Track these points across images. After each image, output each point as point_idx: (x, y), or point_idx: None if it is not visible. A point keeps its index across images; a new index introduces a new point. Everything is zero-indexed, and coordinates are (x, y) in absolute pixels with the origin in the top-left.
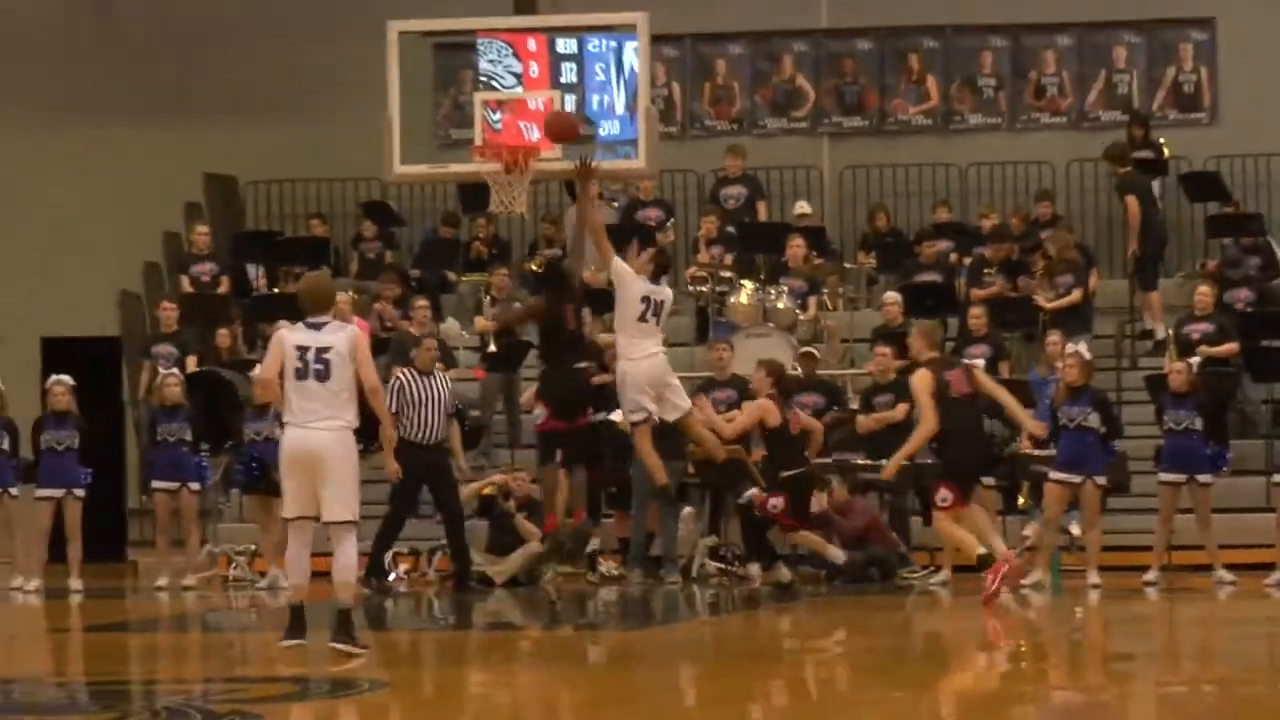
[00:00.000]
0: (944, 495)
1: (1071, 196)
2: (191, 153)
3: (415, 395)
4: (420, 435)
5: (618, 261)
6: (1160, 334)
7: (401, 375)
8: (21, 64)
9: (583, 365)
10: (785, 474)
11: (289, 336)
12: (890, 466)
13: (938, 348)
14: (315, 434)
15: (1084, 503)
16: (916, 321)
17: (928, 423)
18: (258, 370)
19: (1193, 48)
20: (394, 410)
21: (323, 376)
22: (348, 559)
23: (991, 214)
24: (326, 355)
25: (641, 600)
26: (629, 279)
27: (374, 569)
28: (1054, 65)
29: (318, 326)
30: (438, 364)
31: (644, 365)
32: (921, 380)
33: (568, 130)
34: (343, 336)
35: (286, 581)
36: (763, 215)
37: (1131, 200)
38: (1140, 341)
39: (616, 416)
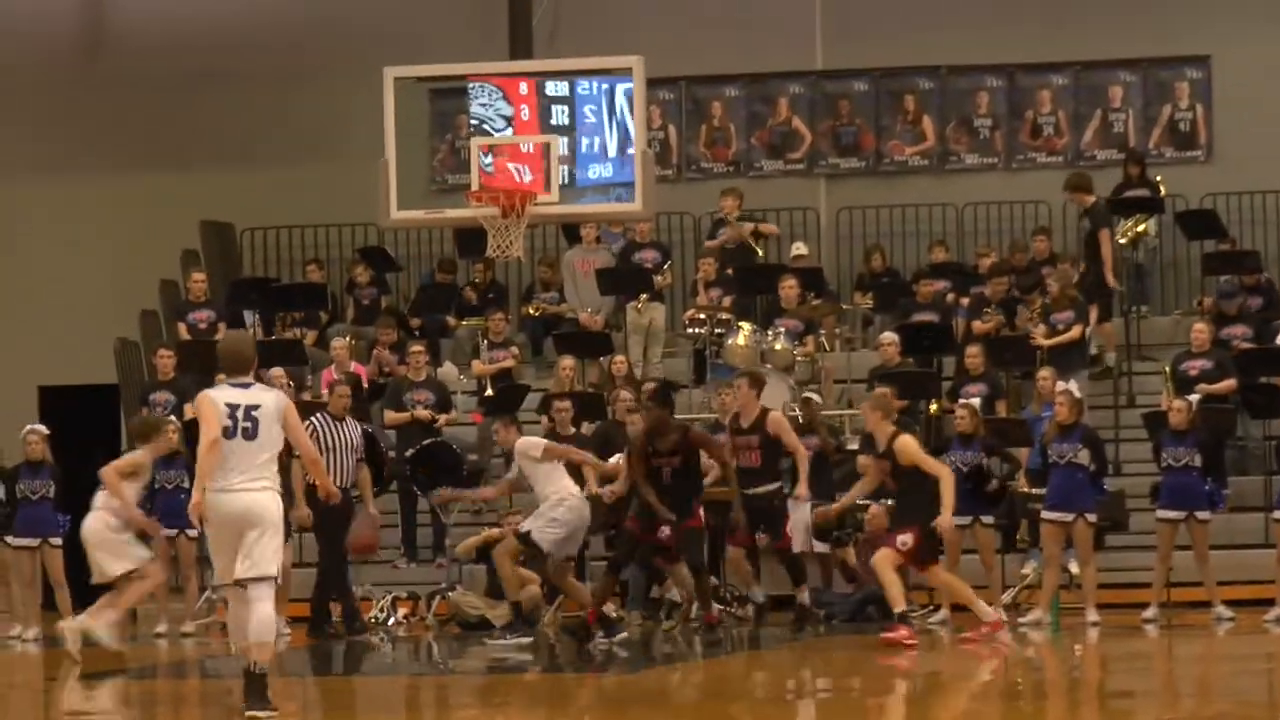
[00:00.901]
0: (904, 540)
1: (1069, 235)
2: (188, 200)
3: (328, 440)
4: (332, 480)
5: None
6: (1110, 361)
7: (315, 421)
8: (17, 112)
9: None
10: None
11: (218, 395)
12: (944, 519)
13: (892, 416)
14: (244, 496)
15: (1077, 540)
16: (872, 395)
17: (945, 472)
18: (204, 438)
19: (1188, 86)
20: None
21: (251, 435)
22: (264, 616)
23: (990, 253)
24: (255, 413)
25: (640, 643)
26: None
27: (316, 619)
28: (1050, 104)
29: (244, 386)
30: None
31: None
32: (908, 442)
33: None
34: (270, 398)
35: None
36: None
37: (1105, 235)
38: (1137, 377)
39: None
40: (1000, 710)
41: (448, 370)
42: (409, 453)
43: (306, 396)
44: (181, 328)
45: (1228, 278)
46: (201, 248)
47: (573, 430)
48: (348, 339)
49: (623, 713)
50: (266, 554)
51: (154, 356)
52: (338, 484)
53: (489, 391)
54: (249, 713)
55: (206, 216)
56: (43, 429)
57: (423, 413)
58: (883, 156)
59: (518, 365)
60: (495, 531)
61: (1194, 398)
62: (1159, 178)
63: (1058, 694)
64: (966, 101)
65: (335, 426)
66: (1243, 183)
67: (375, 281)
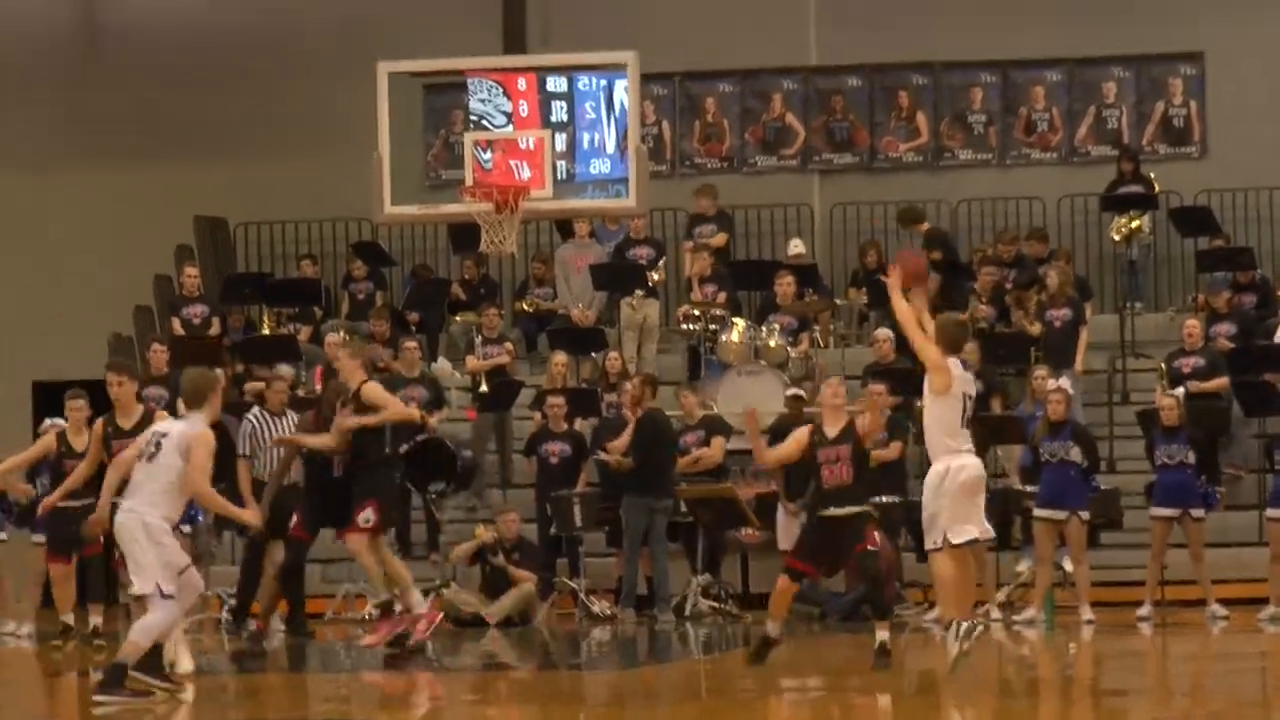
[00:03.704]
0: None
1: (1063, 231)
2: (182, 195)
3: (265, 437)
4: (268, 475)
5: None
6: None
7: (253, 418)
8: (11, 106)
9: None
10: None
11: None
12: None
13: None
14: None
15: (1069, 538)
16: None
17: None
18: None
19: (1182, 82)
20: (247, 452)
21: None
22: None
23: (985, 246)
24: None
25: (634, 640)
26: None
27: (239, 615)
28: (1044, 101)
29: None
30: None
31: None
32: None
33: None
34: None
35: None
36: (740, 254)
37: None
38: (1131, 374)
39: None
40: (994, 708)
41: (441, 366)
42: (403, 449)
43: (301, 393)
44: (175, 323)
45: (1220, 274)
46: (195, 243)
47: (565, 426)
48: (342, 334)
49: (620, 708)
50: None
51: (147, 351)
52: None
53: (483, 387)
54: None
55: (200, 211)
56: (63, 423)
57: (416, 412)
58: (877, 153)
59: (512, 361)
60: (487, 535)
61: (1180, 392)
62: (1152, 174)
63: (1051, 692)
64: (960, 97)
65: (273, 422)
66: (1236, 179)
67: (370, 276)
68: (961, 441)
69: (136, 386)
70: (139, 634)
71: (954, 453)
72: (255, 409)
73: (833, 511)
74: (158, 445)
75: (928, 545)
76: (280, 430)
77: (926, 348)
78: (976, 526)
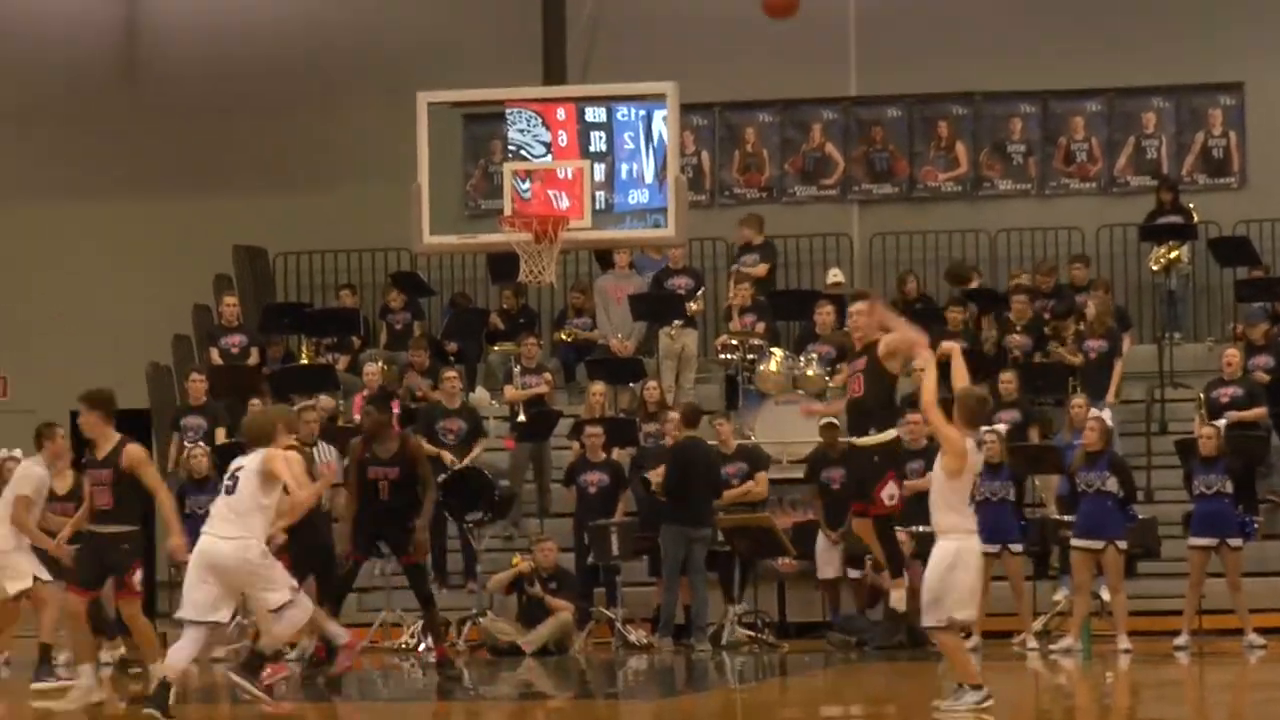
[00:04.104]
0: (891, 493)
1: (1102, 262)
2: (221, 225)
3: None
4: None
5: None
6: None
7: None
8: (52, 136)
9: None
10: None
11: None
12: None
13: None
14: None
15: (1107, 568)
16: None
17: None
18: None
19: (1221, 113)
20: None
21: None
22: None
23: (1020, 274)
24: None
25: (671, 669)
26: None
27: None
28: (1083, 131)
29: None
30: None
31: None
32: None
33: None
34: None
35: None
36: (779, 283)
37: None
38: (1169, 404)
39: None
40: None
41: (480, 396)
42: (440, 479)
43: (340, 422)
44: (214, 352)
45: (1258, 304)
46: (234, 272)
47: (603, 456)
48: (380, 364)
49: None
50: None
51: (186, 381)
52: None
53: (521, 417)
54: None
55: (239, 241)
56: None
57: (446, 456)
58: (916, 183)
59: (550, 391)
60: (524, 564)
61: (1221, 423)
62: (1192, 204)
63: None
64: (1000, 127)
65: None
66: (1276, 209)
67: (408, 306)
68: (970, 520)
69: (104, 415)
70: (285, 628)
71: (965, 533)
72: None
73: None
74: (234, 479)
75: (930, 622)
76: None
77: (946, 431)
78: (974, 608)
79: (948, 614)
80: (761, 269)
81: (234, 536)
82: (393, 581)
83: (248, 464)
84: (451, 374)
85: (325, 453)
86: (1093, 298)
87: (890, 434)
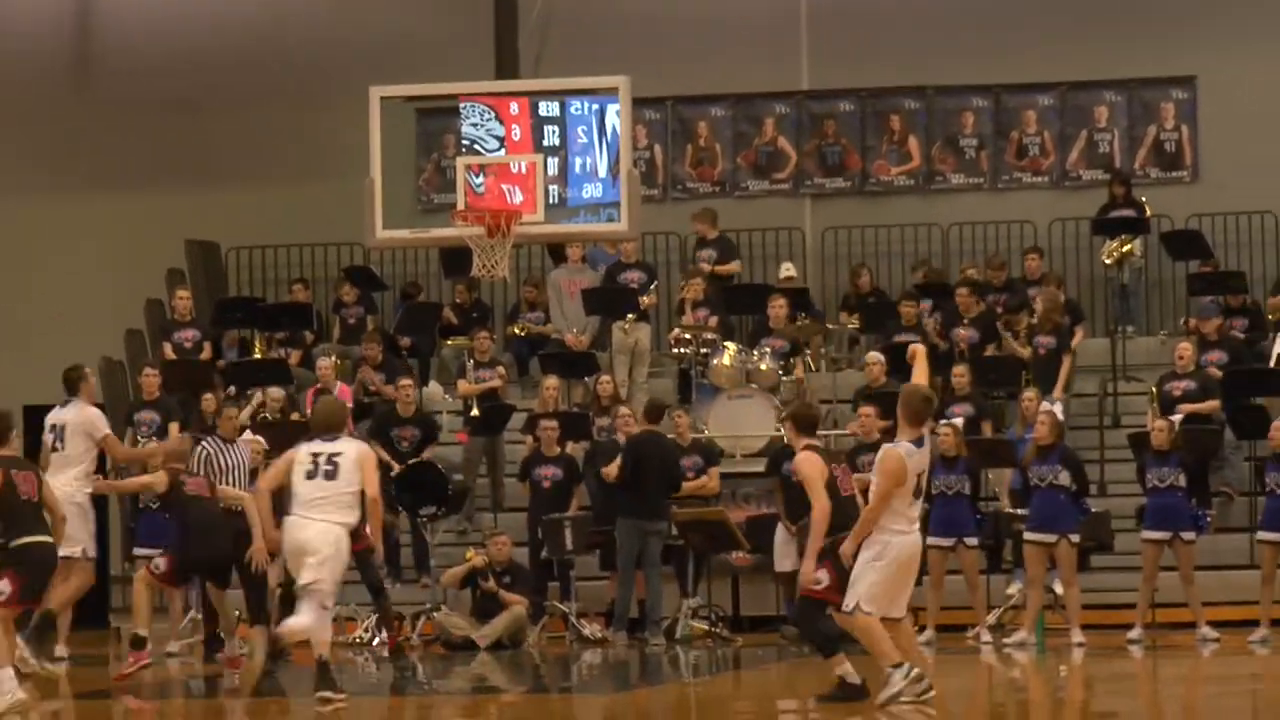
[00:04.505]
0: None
1: (1054, 255)
2: (173, 219)
3: (219, 463)
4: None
5: None
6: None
7: (206, 444)
8: (2, 132)
9: None
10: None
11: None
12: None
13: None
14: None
15: (1060, 561)
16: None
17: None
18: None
19: (1174, 106)
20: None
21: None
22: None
23: (967, 268)
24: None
25: (625, 663)
26: None
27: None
28: (1035, 125)
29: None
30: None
31: None
32: (810, 462)
33: None
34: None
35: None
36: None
37: None
38: (1122, 397)
39: None
40: None
41: (433, 390)
42: (394, 474)
43: (295, 417)
44: (167, 347)
45: (1210, 299)
46: (187, 267)
47: (557, 450)
48: (333, 358)
49: None
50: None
51: (139, 376)
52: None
53: (475, 411)
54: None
55: (192, 236)
56: None
57: (396, 466)
58: (868, 177)
59: (503, 385)
60: (478, 559)
61: (1176, 418)
62: (1144, 198)
63: (1042, 715)
64: (952, 121)
65: (226, 449)
66: (1228, 203)
67: (361, 301)
68: (905, 519)
69: None
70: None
71: (899, 530)
72: (208, 436)
73: None
74: (333, 463)
75: (844, 606)
76: (233, 457)
77: (879, 492)
78: (888, 606)
79: (855, 601)
80: (735, 265)
81: (340, 522)
82: (347, 576)
83: (346, 451)
84: (406, 383)
85: (241, 450)
86: (1042, 294)
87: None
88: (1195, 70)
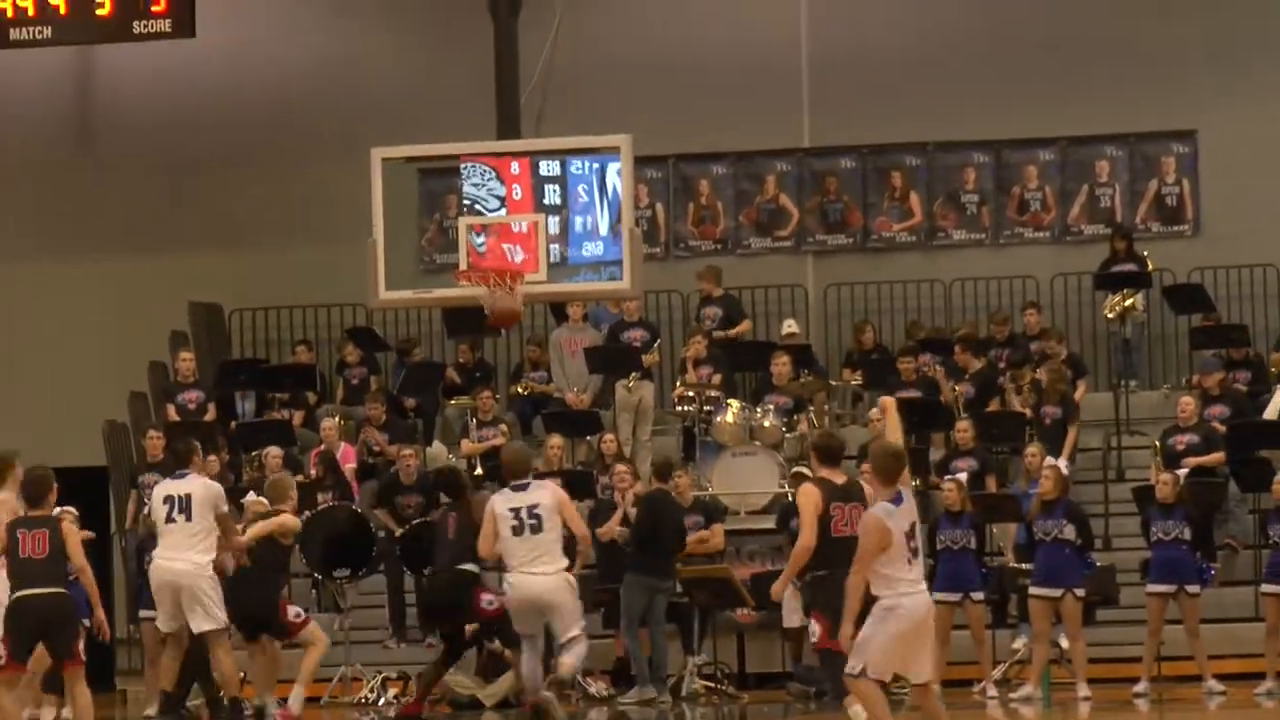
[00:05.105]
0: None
1: (1056, 310)
2: (176, 282)
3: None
4: None
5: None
6: None
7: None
8: (5, 194)
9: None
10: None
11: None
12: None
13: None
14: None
15: (1065, 616)
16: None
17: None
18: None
19: (1175, 160)
20: None
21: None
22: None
23: (963, 326)
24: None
25: None
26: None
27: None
28: (1037, 180)
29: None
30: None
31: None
32: (806, 495)
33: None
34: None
35: None
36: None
37: None
38: (1126, 451)
39: None
40: None
41: (437, 450)
42: (399, 533)
43: (300, 478)
44: (170, 409)
45: (1213, 352)
46: (190, 329)
47: None
48: (336, 419)
49: None
50: None
51: (143, 438)
52: None
53: (479, 470)
54: None
55: (195, 297)
56: None
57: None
58: (870, 233)
59: (506, 442)
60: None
61: (1182, 471)
62: (1146, 252)
63: None
64: (953, 177)
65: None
66: (1230, 257)
67: (364, 361)
68: (914, 582)
69: None
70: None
71: (903, 592)
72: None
73: None
74: (535, 516)
75: (848, 668)
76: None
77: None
78: (896, 668)
79: (862, 664)
80: (744, 326)
81: (559, 570)
82: (352, 636)
83: (543, 500)
84: (409, 451)
85: None
86: (1047, 367)
87: None
88: (1196, 124)
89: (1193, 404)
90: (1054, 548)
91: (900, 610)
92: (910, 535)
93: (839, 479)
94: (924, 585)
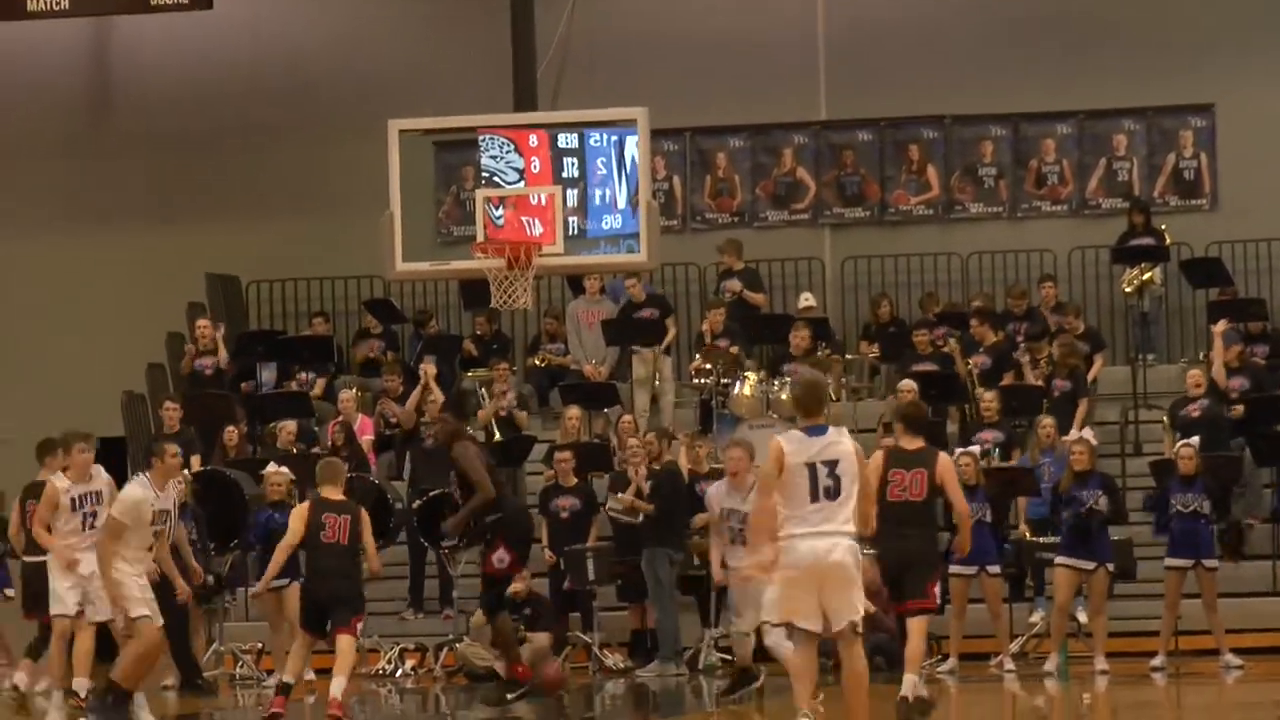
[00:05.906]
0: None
1: (1074, 283)
2: (194, 253)
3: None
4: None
5: None
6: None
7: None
8: (23, 167)
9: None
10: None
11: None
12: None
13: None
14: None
15: (1093, 589)
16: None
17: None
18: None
19: (1192, 134)
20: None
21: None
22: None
23: (978, 297)
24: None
25: (647, 693)
26: None
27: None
28: (1054, 153)
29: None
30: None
31: None
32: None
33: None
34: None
35: None
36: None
37: None
38: (1143, 425)
39: None
40: None
41: None
42: (416, 504)
43: (317, 449)
44: (186, 362)
45: (1229, 326)
46: (208, 300)
47: (574, 480)
48: (354, 390)
49: None
50: None
51: (160, 409)
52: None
53: (497, 436)
54: None
55: (212, 270)
56: None
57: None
58: (887, 206)
59: (524, 416)
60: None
61: (1196, 440)
62: (1163, 226)
63: None
64: (971, 151)
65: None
66: (1247, 231)
67: (383, 333)
68: (815, 521)
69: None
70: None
71: (795, 537)
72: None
73: None
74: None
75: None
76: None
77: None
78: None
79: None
80: (761, 298)
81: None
82: (370, 608)
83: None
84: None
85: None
86: (1059, 341)
87: None
88: (1213, 98)
89: (1202, 378)
90: (1086, 519)
91: (787, 555)
92: (816, 471)
93: (911, 445)
94: (833, 530)
